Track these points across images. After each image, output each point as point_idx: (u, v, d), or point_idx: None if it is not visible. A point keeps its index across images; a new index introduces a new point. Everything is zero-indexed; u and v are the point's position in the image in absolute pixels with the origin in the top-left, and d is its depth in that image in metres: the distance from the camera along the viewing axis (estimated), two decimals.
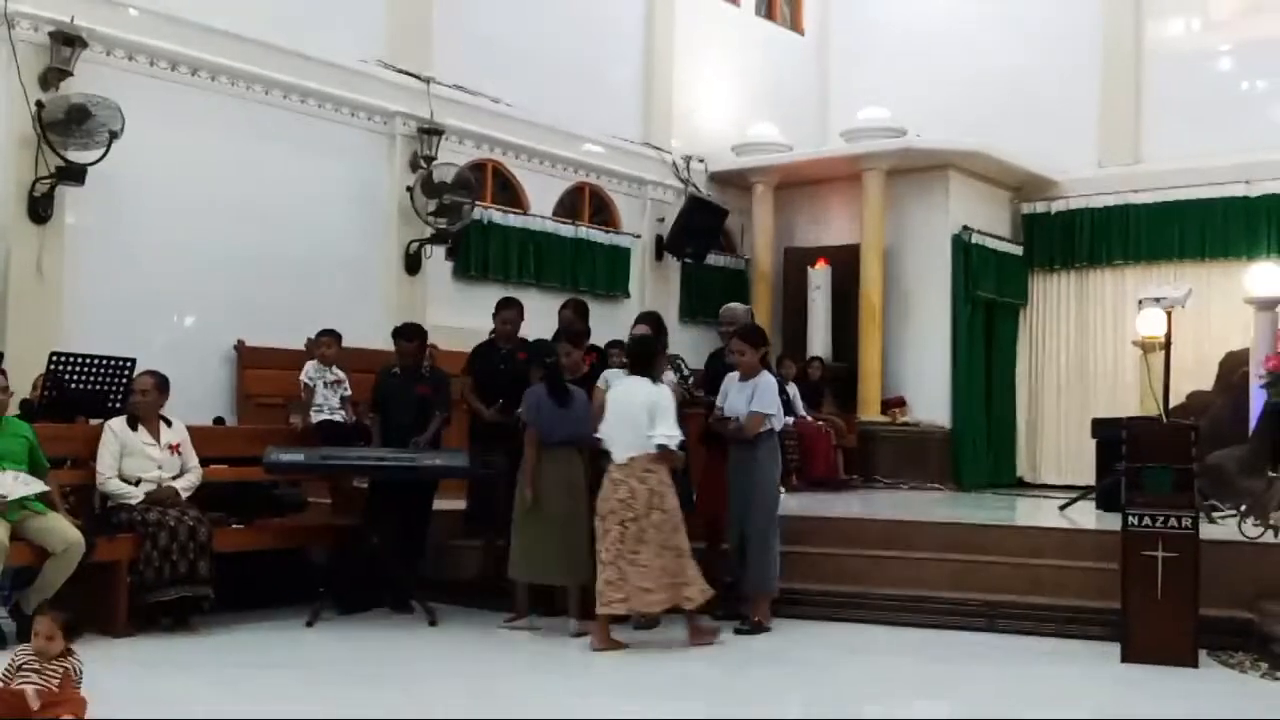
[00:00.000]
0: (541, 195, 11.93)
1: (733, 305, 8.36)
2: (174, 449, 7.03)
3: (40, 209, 8.26)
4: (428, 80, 10.73)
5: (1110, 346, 13.44)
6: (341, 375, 8.14)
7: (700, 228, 12.83)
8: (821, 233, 13.52)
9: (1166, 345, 10.38)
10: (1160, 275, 12.94)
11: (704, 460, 7.50)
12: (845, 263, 12.94)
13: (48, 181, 8.23)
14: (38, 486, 6.30)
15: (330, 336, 8.16)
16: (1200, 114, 12.93)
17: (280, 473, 7.57)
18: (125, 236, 8.72)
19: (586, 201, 12.51)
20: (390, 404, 7.82)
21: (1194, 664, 6.21)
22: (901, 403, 12.71)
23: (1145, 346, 10.93)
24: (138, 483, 6.86)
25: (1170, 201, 13.11)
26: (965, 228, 12.82)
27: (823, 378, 12.47)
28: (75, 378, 7.29)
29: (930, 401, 12.74)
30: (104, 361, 7.37)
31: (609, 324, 9.88)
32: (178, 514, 6.75)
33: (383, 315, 9.79)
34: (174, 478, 6.98)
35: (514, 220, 11.53)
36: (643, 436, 6.57)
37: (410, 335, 7.93)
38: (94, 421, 7.17)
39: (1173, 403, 10.40)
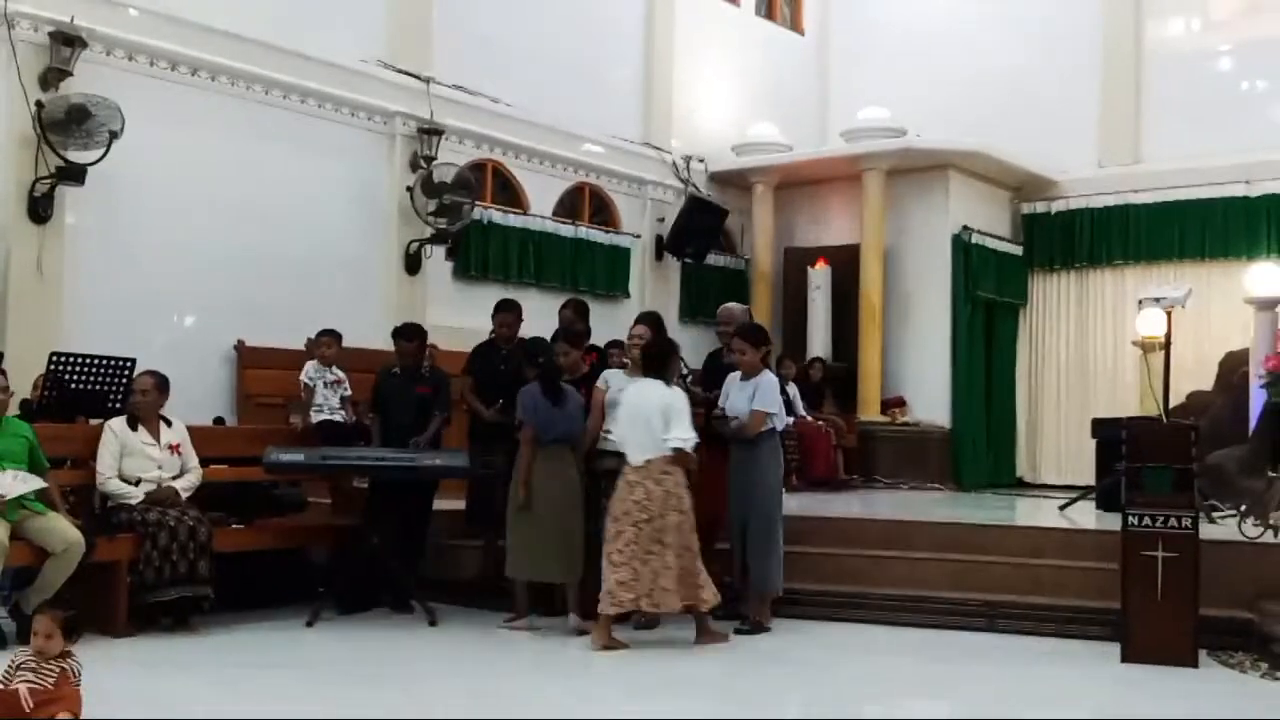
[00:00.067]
0: (541, 195, 11.93)
1: (730, 305, 8.37)
2: (174, 449, 7.03)
3: (40, 209, 8.26)
4: (428, 80, 10.73)
5: (1110, 346, 13.44)
6: (341, 375, 8.14)
7: (700, 228, 12.83)
8: (821, 233, 13.52)
9: (1166, 345, 10.38)
10: (1160, 275, 12.94)
11: (704, 459, 7.48)
12: (845, 263, 12.94)
13: (48, 181, 8.23)
14: (36, 483, 6.30)
15: (330, 336, 8.15)
16: (1200, 114, 12.93)
17: (280, 473, 7.57)
18: (125, 236, 8.72)
19: (586, 201, 12.51)
20: (390, 404, 7.82)
21: (1194, 664, 6.21)
22: (901, 403, 12.71)
23: (1145, 346, 10.93)
24: (138, 483, 6.86)
25: (1170, 201, 13.11)
26: (965, 228, 12.82)
27: (824, 379, 12.47)
28: (75, 378, 7.29)
29: (930, 401, 12.74)
30: (104, 361, 7.37)
31: (609, 324, 9.88)
32: (178, 514, 6.75)
33: (383, 315, 9.79)
34: (174, 478, 6.98)
35: (514, 220, 11.53)
36: (658, 438, 6.60)
37: (410, 335, 7.93)
38: (94, 421, 7.17)
39: (1173, 403, 10.39)
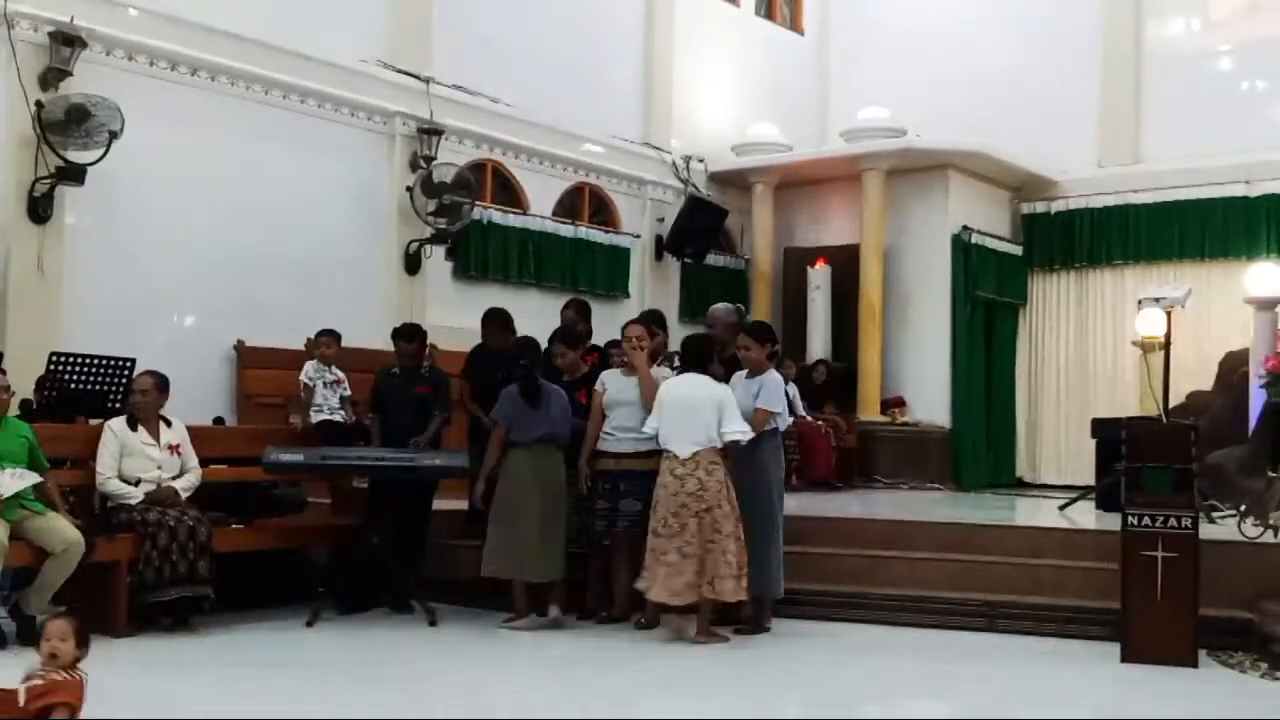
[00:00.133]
0: (541, 195, 11.93)
1: (716, 306, 8.43)
2: (174, 449, 7.03)
3: (40, 209, 8.26)
4: (427, 80, 10.73)
5: (1110, 346, 13.44)
6: (341, 375, 8.14)
7: (700, 228, 12.83)
8: (821, 233, 13.52)
9: (1166, 345, 10.37)
10: (1160, 275, 12.94)
11: None
12: (845, 263, 12.94)
13: (48, 181, 8.23)
14: (33, 478, 6.30)
15: (330, 336, 8.15)
16: (1200, 114, 12.93)
17: (280, 473, 7.57)
18: (125, 236, 8.72)
19: (586, 201, 12.51)
20: (390, 404, 7.83)
21: (1194, 664, 6.21)
22: (901, 403, 12.71)
23: (1145, 346, 10.92)
24: (137, 483, 6.85)
25: (1170, 201, 13.11)
26: (965, 228, 12.82)
27: (827, 381, 12.46)
28: (75, 378, 7.30)
29: (930, 401, 12.74)
30: (104, 361, 7.38)
31: (609, 324, 9.87)
32: (177, 514, 6.75)
33: (383, 315, 9.80)
34: (174, 478, 6.98)
35: (514, 220, 11.53)
36: (710, 432, 6.67)
37: (410, 336, 7.93)
38: (94, 421, 7.17)
39: (1173, 403, 10.39)
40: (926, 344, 12.79)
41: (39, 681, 4.27)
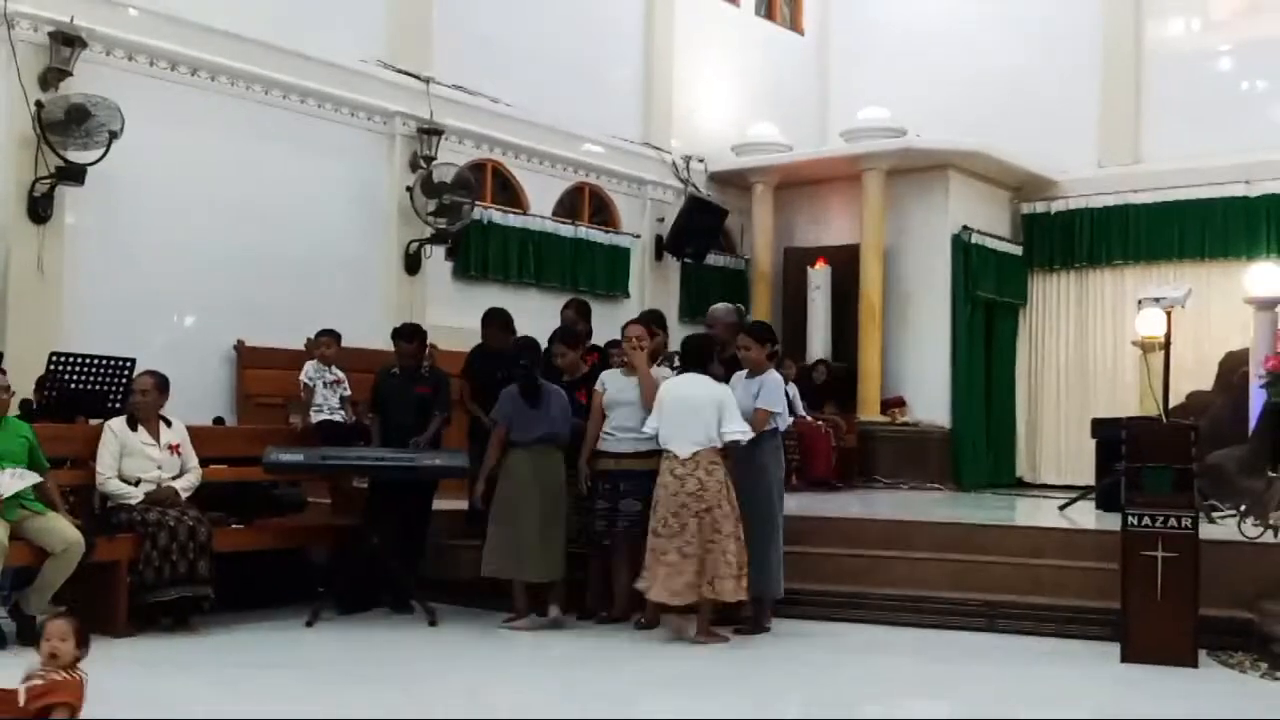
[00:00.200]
0: (541, 195, 11.93)
1: (716, 306, 8.43)
2: (174, 449, 7.03)
3: (40, 209, 8.26)
4: (427, 80, 10.73)
5: (1110, 346, 13.44)
6: (341, 375, 8.14)
7: (700, 228, 12.83)
8: (821, 233, 13.52)
9: (1166, 345, 10.37)
10: (1160, 275, 12.94)
11: None
12: (845, 263, 12.94)
13: (48, 181, 8.23)
14: (32, 478, 6.30)
15: (330, 336, 8.15)
16: (1200, 114, 12.93)
17: (280, 473, 7.57)
18: (125, 236, 8.72)
19: (586, 201, 12.51)
20: (390, 404, 7.83)
21: (1194, 664, 6.21)
22: (901, 403, 12.71)
23: (1145, 346, 10.92)
24: (137, 483, 6.85)
25: (1170, 201, 13.11)
26: (965, 228, 12.82)
27: (827, 381, 12.46)
28: (75, 378, 7.30)
29: (930, 401, 12.74)
30: (104, 361, 7.38)
31: (609, 324, 9.87)
32: (177, 514, 6.75)
33: (383, 315, 9.80)
34: (174, 478, 6.98)
35: (514, 220, 11.53)
36: (710, 432, 6.67)
37: (410, 336, 7.93)
38: (94, 421, 7.17)
39: (1173, 403, 10.39)
40: (926, 344, 12.79)
41: (39, 681, 4.26)
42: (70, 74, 8.31)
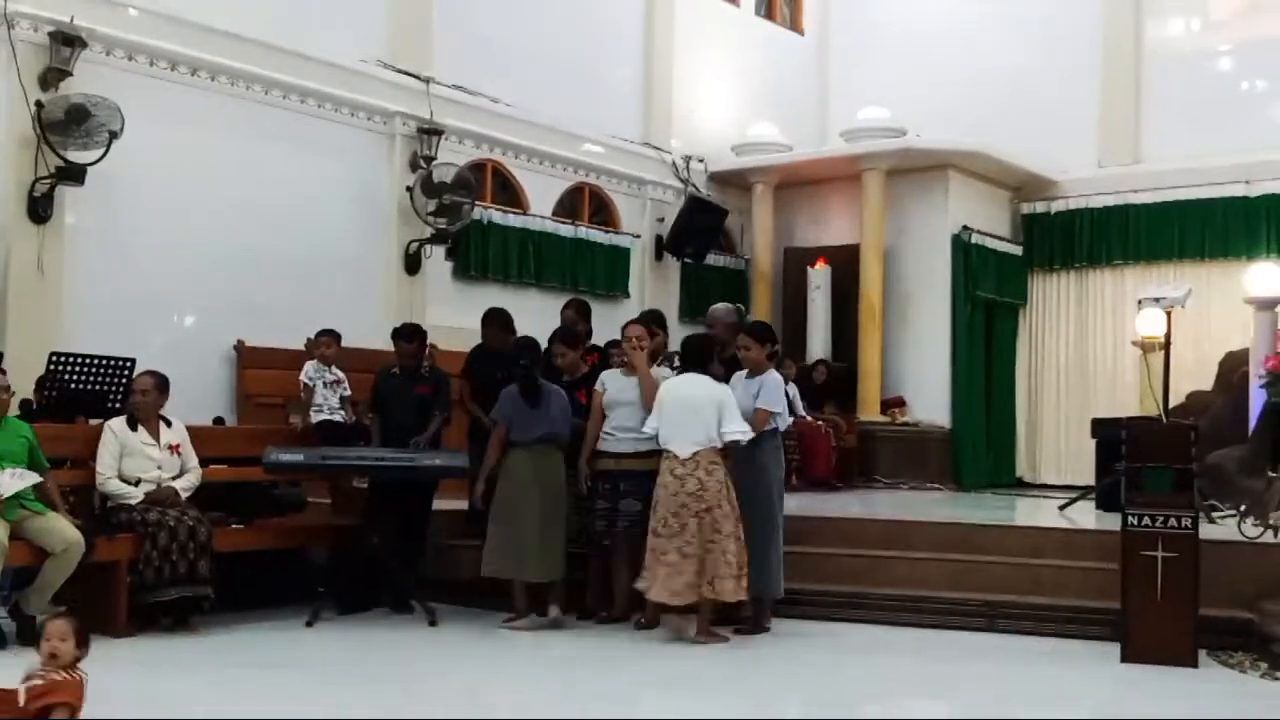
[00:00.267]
0: (541, 195, 11.93)
1: (716, 306, 8.43)
2: (174, 449, 7.03)
3: (40, 209, 8.26)
4: (427, 80, 10.73)
5: (1110, 346, 13.44)
6: (341, 375, 8.14)
7: (700, 228, 12.83)
8: (821, 233, 13.52)
9: (1166, 345, 10.37)
10: (1160, 275, 12.95)
11: None
12: (845, 263, 12.94)
13: (48, 181, 8.23)
14: (32, 478, 6.30)
15: (330, 336, 8.15)
16: (1200, 114, 12.94)
17: (280, 473, 7.57)
18: (125, 236, 8.72)
19: (586, 201, 12.51)
20: (390, 404, 7.83)
21: (1194, 664, 6.21)
22: (901, 403, 12.71)
23: (1145, 346, 10.92)
24: (137, 483, 6.85)
25: (1170, 201, 13.11)
26: (965, 228, 12.82)
27: (827, 381, 12.46)
28: (75, 378, 7.30)
29: (930, 401, 12.74)
30: (104, 361, 7.38)
31: (609, 324, 9.87)
32: (177, 514, 6.75)
33: (383, 315, 9.80)
34: (174, 478, 6.98)
35: (514, 220, 11.53)
36: (710, 432, 6.67)
37: (410, 336, 7.93)
38: (94, 421, 7.17)
39: (1173, 403, 10.39)
40: (926, 344, 12.80)
41: (39, 681, 4.26)
42: (70, 74, 8.31)
